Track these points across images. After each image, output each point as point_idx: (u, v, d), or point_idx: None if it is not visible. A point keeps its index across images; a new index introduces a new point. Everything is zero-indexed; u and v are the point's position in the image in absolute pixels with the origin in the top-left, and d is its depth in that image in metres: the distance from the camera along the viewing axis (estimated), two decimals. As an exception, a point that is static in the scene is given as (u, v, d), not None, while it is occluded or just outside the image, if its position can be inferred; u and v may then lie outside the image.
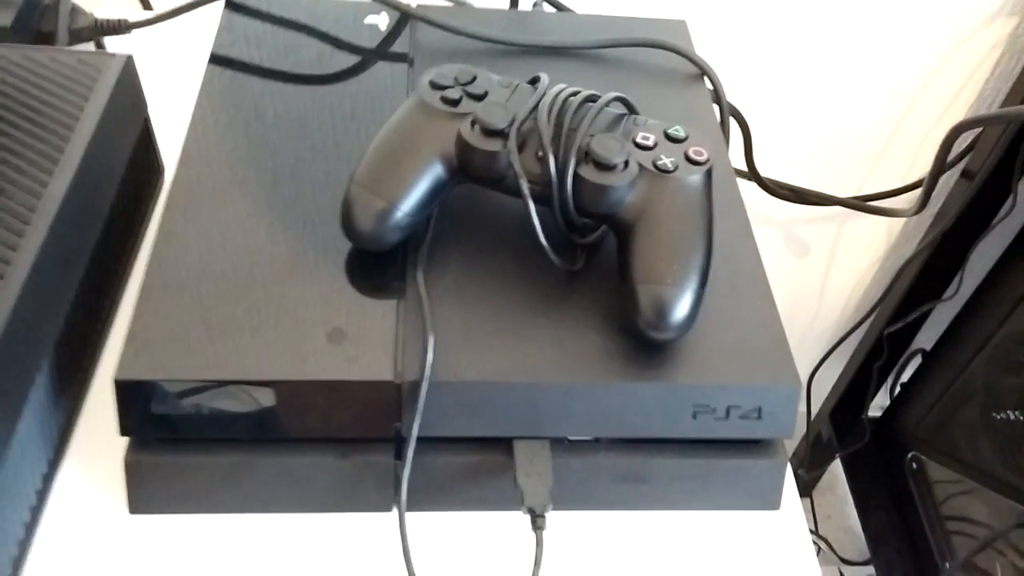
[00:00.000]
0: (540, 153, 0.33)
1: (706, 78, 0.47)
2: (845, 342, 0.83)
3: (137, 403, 0.31)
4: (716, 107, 0.48)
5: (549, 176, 0.33)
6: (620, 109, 0.36)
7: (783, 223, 0.83)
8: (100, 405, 0.36)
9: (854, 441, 0.92)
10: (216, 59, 0.44)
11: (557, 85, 0.36)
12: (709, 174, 0.34)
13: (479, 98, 0.35)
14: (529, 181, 0.33)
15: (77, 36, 0.48)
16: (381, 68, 0.45)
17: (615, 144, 0.33)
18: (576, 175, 0.33)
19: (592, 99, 0.35)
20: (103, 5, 0.55)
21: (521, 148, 0.34)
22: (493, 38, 0.46)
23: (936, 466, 0.88)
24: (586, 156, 0.33)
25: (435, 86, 0.35)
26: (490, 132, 0.34)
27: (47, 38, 0.47)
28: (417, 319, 0.33)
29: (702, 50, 0.50)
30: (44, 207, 0.32)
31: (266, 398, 0.32)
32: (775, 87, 0.72)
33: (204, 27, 0.51)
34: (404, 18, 0.47)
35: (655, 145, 0.34)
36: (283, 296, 0.34)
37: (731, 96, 0.62)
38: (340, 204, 0.35)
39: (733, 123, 0.60)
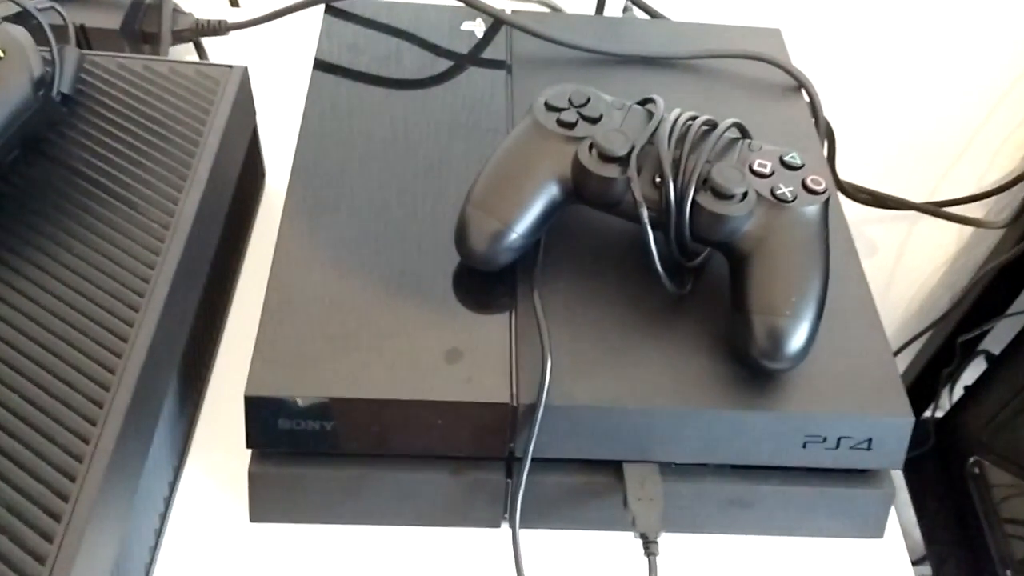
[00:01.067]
0: (658, 179, 0.34)
1: (803, 91, 0.47)
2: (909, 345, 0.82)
3: (263, 417, 0.32)
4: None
5: (668, 204, 0.33)
6: (735, 133, 0.36)
7: (852, 224, 0.82)
8: (214, 414, 0.37)
9: (916, 444, 0.91)
10: (320, 65, 0.44)
11: (674, 110, 0.36)
12: (827, 204, 0.34)
13: (594, 121, 0.35)
14: (648, 202, 0.34)
15: (179, 37, 0.48)
16: (480, 75, 0.45)
17: (735, 173, 0.33)
18: (695, 203, 0.33)
19: (709, 124, 0.35)
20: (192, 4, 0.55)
21: (639, 173, 0.34)
22: (589, 48, 0.46)
23: (998, 470, 0.87)
24: (704, 183, 0.33)
25: (550, 107, 0.36)
26: (609, 158, 0.34)
27: (149, 38, 0.47)
28: (530, 340, 0.34)
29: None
30: (178, 223, 0.33)
31: (386, 416, 0.32)
32: (852, 87, 0.71)
33: (299, 29, 0.51)
34: (498, 24, 0.48)
35: (772, 173, 0.34)
36: (400, 314, 0.34)
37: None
38: (455, 223, 0.35)
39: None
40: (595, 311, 0.35)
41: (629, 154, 0.34)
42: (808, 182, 0.34)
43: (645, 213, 0.33)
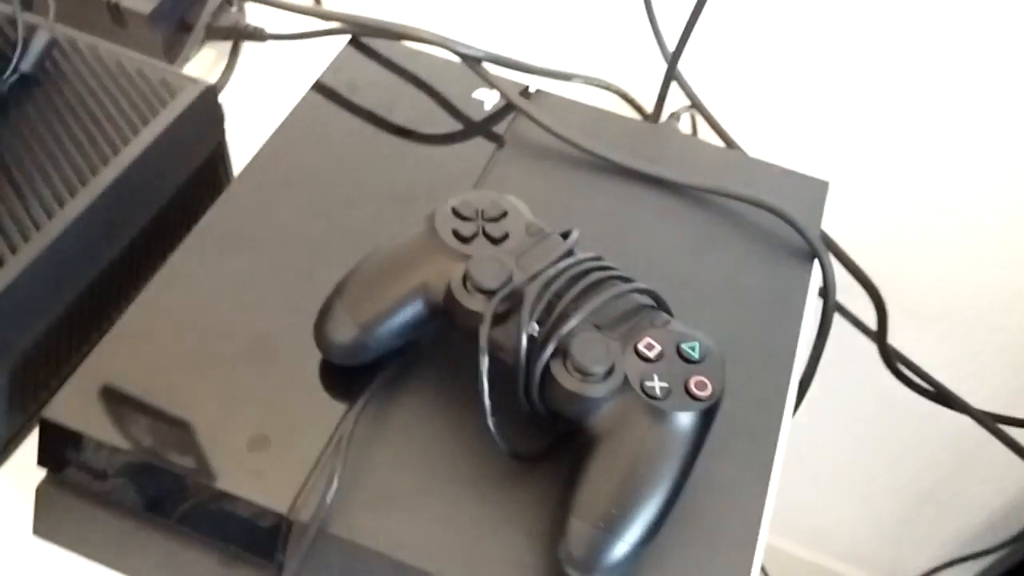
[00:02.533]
0: (516, 330, 0.30)
1: (816, 262, 0.41)
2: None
3: (55, 442, 0.31)
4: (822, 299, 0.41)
5: (516, 360, 0.29)
6: (645, 299, 0.32)
7: (920, 415, 0.72)
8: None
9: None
10: (318, 87, 0.43)
11: (580, 254, 0.31)
12: (709, 415, 0.29)
13: (495, 241, 0.32)
14: (501, 351, 0.30)
15: (215, 32, 0.49)
16: (466, 146, 0.42)
17: (599, 348, 0.29)
18: (546, 367, 0.29)
19: (615, 279, 0.31)
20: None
21: (507, 316, 0.30)
22: (589, 149, 0.42)
23: None
24: (568, 349, 0.29)
25: (456, 214, 0.33)
26: (478, 288, 0.30)
27: (186, 28, 0.48)
28: (353, 449, 0.31)
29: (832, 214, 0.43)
30: (53, 223, 0.33)
31: (165, 482, 0.31)
32: (913, 248, 0.61)
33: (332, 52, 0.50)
34: (509, 106, 0.44)
35: (658, 358, 0.30)
36: (234, 380, 0.32)
37: (861, 256, 0.52)
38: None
39: (865, 297, 0.52)
40: (429, 445, 0.32)
41: (497, 290, 0.30)
42: (692, 383, 0.29)
43: (485, 361, 0.30)
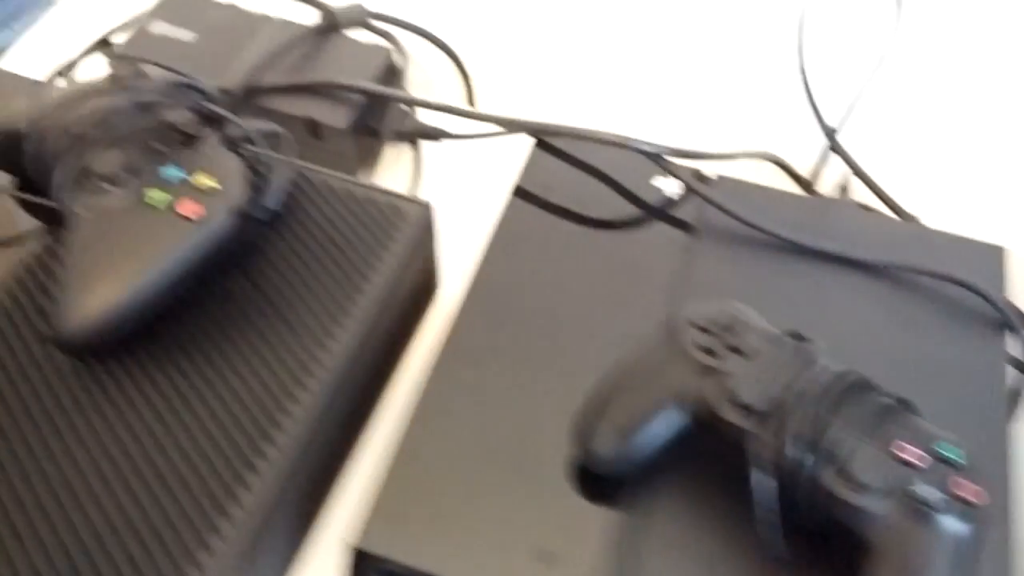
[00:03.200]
0: (783, 443, 0.32)
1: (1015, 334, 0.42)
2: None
3: (363, 570, 0.34)
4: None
5: (786, 472, 0.32)
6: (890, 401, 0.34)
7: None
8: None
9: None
10: (519, 193, 0.46)
11: (822, 361, 0.34)
12: (983, 524, 0.31)
13: (736, 352, 0.34)
14: (767, 462, 0.32)
15: (398, 136, 0.52)
16: (660, 235, 0.45)
17: (870, 457, 0.31)
18: (819, 482, 0.32)
19: (862, 387, 0.33)
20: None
21: (765, 426, 0.33)
22: (776, 233, 0.44)
23: None
24: (834, 459, 0.32)
25: (693, 326, 0.35)
26: (740, 404, 0.33)
27: (371, 133, 0.51)
28: (627, 560, 0.34)
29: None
30: (324, 362, 0.36)
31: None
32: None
33: (507, 149, 0.53)
34: (690, 191, 0.47)
35: (919, 465, 0.32)
36: (508, 493, 0.35)
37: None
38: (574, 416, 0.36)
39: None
40: (701, 553, 0.34)
41: (761, 407, 0.33)
42: (957, 488, 0.31)
43: (758, 476, 0.32)
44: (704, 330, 0.35)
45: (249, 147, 0.39)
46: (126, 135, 0.36)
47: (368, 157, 0.52)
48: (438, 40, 0.58)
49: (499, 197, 0.46)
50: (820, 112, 0.51)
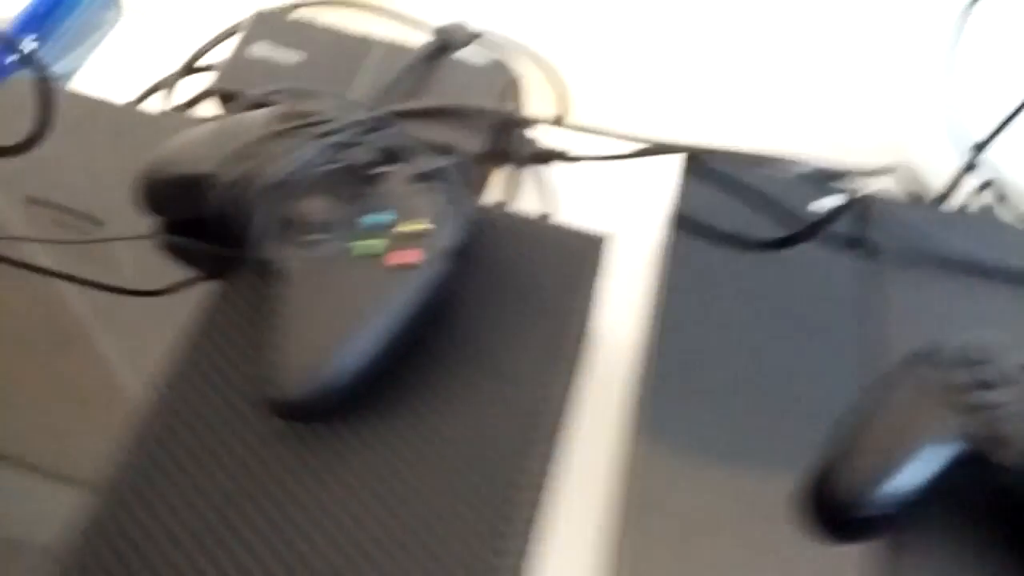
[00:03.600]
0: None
1: None
2: None
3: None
4: None
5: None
6: None
7: None
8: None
9: None
10: (681, 221, 0.44)
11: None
12: None
13: (988, 386, 0.33)
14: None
15: (521, 160, 0.50)
16: (829, 254, 0.44)
17: None
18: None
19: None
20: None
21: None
22: (957, 257, 0.43)
23: None
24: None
25: (945, 359, 0.34)
26: (1007, 444, 0.32)
27: (500, 157, 0.49)
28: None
29: None
30: (548, 406, 0.34)
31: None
32: None
33: (633, 170, 0.51)
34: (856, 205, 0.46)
35: None
36: (749, 546, 0.34)
37: None
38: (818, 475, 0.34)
39: None
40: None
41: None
42: None
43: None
44: (959, 364, 0.34)
45: (436, 182, 0.36)
46: (322, 178, 0.33)
47: (485, 182, 0.50)
48: (535, 55, 0.56)
49: (626, 218, 0.44)
50: (963, 126, 0.50)
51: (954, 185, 0.51)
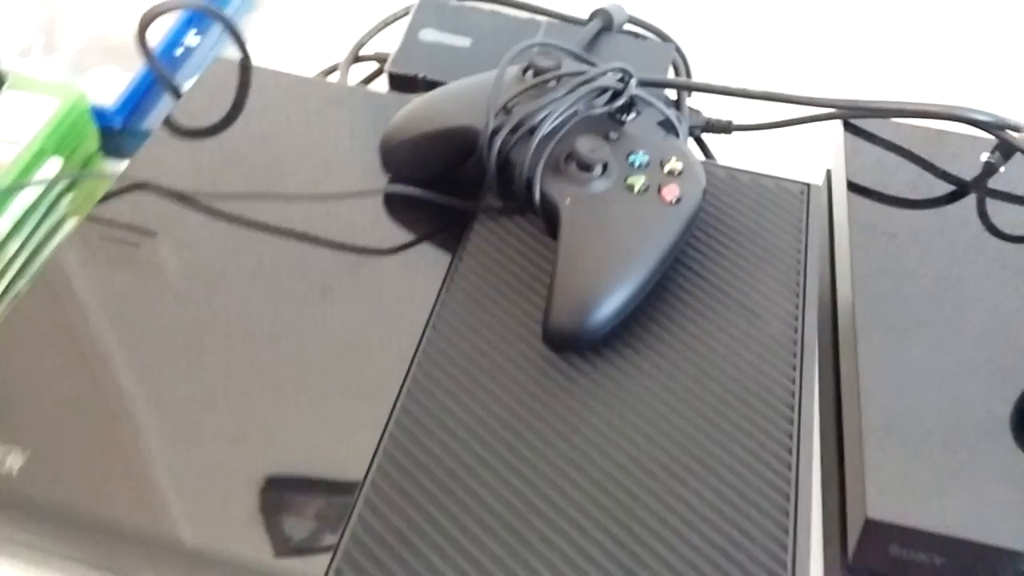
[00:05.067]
0: None
1: None
2: None
3: (875, 541, 0.34)
4: None
5: None
6: None
7: None
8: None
9: None
10: (851, 187, 0.46)
11: None
12: None
13: None
14: None
15: (698, 130, 0.52)
16: (1009, 216, 0.45)
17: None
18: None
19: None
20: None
21: None
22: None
23: None
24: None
25: None
26: None
27: (669, 130, 0.51)
28: None
29: None
30: (803, 340, 0.36)
31: (989, 560, 0.33)
32: None
33: (797, 137, 0.53)
34: (1010, 150, 0.48)
35: None
36: (995, 453, 0.35)
37: None
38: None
39: None
40: None
41: None
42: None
43: None
44: None
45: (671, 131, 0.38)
46: (584, 124, 0.35)
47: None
48: (662, 32, 0.58)
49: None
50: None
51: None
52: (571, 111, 0.35)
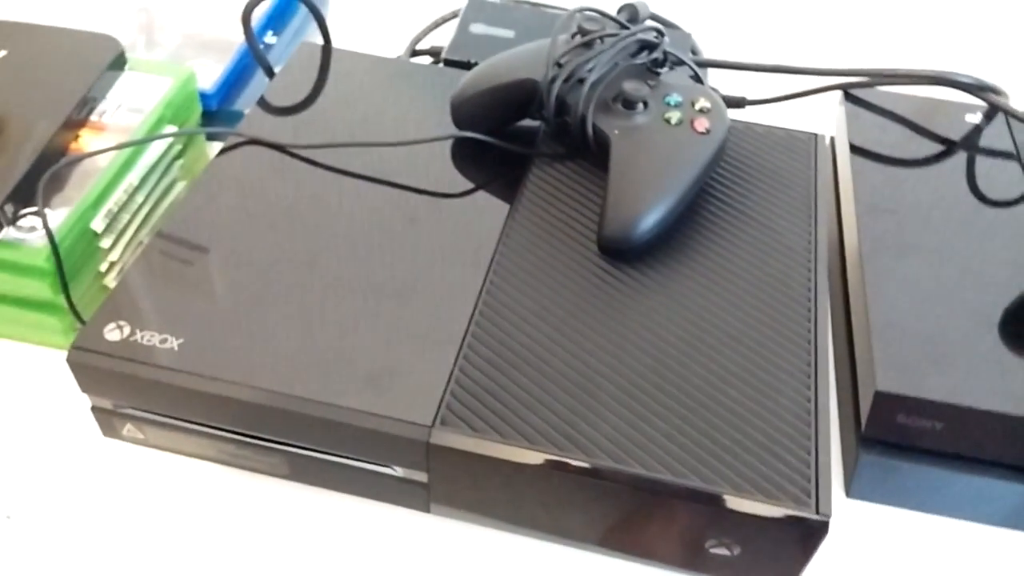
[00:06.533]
0: None
1: None
2: None
3: (885, 411, 0.40)
4: None
5: None
6: None
7: None
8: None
9: None
10: (855, 149, 0.53)
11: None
12: None
13: None
14: None
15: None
16: (991, 166, 0.52)
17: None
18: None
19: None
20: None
21: None
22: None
23: None
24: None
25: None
26: None
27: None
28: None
29: None
30: (816, 253, 0.42)
31: (987, 425, 0.39)
32: None
33: (806, 109, 0.60)
34: (994, 112, 0.55)
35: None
36: (989, 334, 0.41)
37: None
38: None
39: None
40: None
41: None
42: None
43: None
44: None
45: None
46: (626, 72, 0.42)
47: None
48: (678, 26, 0.66)
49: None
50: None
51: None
52: (614, 61, 0.42)
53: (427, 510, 0.38)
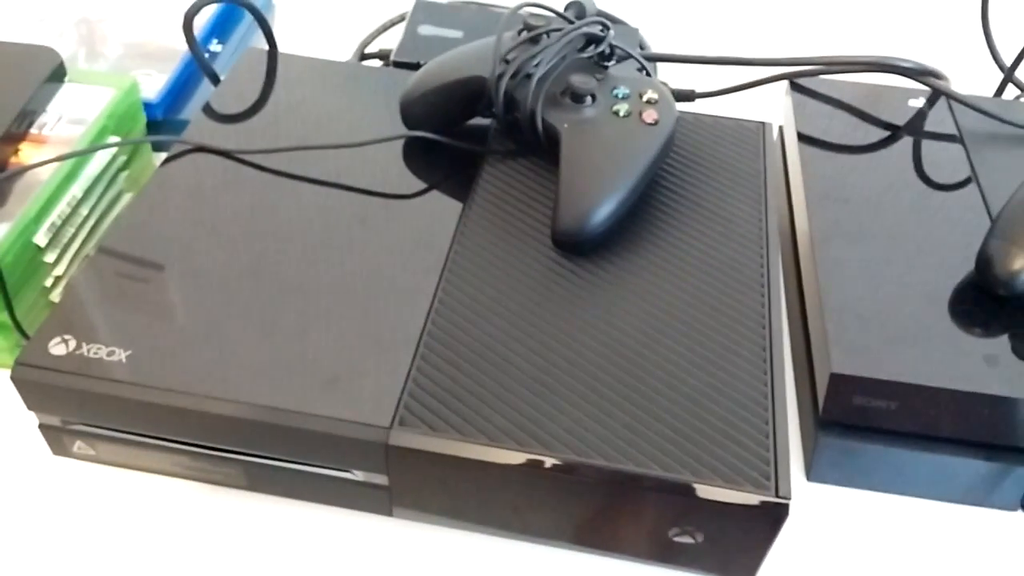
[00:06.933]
0: None
1: None
2: None
3: (842, 393, 0.40)
4: None
5: None
6: None
7: None
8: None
9: None
10: (802, 138, 0.53)
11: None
12: None
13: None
14: None
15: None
16: (940, 147, 0.53)
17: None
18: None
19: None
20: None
21: None
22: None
23: None
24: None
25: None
26: None
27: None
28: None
29: None
30: (767, 240, 0.43)
31: (940, 402, 0.40)
32: None
33: (752, 100, 0.61)
34: (936, 96, 0.56)
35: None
36: (939, 315, 0.42)
37: None
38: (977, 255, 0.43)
39: None
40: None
41: None
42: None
43: None
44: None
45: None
46: (573, 66, 0.42)
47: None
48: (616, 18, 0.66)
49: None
50: (996, 52, 0.61)
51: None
52: (561, 55, 0.42)
53: (389, 513, 0.38)
